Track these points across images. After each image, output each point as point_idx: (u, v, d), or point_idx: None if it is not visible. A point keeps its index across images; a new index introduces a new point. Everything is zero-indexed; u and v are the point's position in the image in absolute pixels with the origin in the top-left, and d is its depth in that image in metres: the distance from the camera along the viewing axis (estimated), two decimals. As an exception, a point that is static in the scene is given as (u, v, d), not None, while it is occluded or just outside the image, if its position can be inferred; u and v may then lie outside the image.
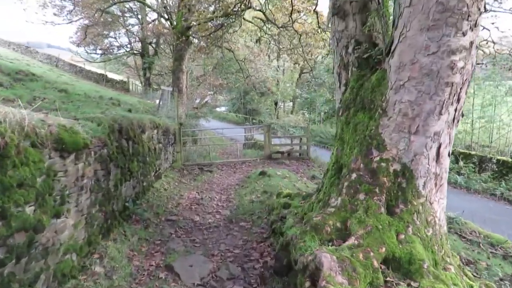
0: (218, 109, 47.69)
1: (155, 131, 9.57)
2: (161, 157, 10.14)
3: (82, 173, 4.55)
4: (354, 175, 3.99)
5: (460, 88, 3.69)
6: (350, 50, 4.69)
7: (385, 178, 3.81)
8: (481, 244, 5.88)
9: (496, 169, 14.31)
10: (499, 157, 14.96)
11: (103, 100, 10.06)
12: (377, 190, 3.80)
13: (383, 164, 3.84)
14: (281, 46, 22.73)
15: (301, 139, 14.68)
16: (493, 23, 5.52)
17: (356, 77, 4.50)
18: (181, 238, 5.73)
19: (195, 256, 4.90)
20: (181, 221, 6.55)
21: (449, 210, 10.03)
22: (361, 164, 3.99)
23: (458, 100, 3.75)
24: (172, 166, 11.65)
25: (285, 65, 38.51)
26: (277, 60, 34.05)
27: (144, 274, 4.39)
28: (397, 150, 3.81)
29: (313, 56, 17.03)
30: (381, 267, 3.28)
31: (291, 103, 44.18)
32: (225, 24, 13.66)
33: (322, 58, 15.83)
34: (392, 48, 3.87)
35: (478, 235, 6.34)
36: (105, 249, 4.69)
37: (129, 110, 10.21)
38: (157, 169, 9.45)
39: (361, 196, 3.85)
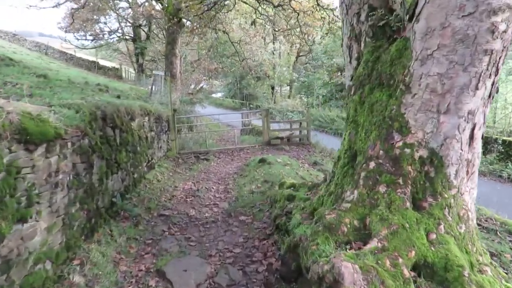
0: (214, 94, 46.87)
1: (146, 118, 8.91)
2: (154, 146, 9.51)
3: (56, 168, 3.93)
4: (372, 164, 3.39)
5: (499, 57, 3.06)
6: (362, 17, 4.02)
7: (409, 167, 3.21)
8: (498, 232, 5.35)
9: (502, 150, 13.78)
10: (504, 138, 14.41)
11: (89, 86, 9.35)
12: (400, 180, 3.21)
13: (407, 150, 3.24)
14: (277, 28, 21.89)
15: (300, 123, 14.06)
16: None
17: (371, 49, 3.84)
18: (175, 236, 5.15)
19: (190, 258, 4.32)
20: (175, 216, 5.97)
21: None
22: (381, 151, 3.38)
23: (497, 71, 3.13)
24: (167, 155, 11.03)
25: (281, 48, 37.53)
26: (273, 43, 33.07)
27: (131, 282, 3.82)
28: (424, 133, 3.21)
29: (310, 37, 16.25)
30: (411, 275, 2.71)
31: (288, 87, 43.38)
32: (218, 2, 12.85)
33: (320, 38, 14.99)
34: (417, 10, 3.22)
35: (494, 222, 5.80)
36: (88, 253, 4.11)
37: (118, 97, 9.52)
38: (150, 159, 8.83)
39: (382, 188, 3.26)
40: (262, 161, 9.04)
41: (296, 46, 36.68)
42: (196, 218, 5.90)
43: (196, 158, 11.44)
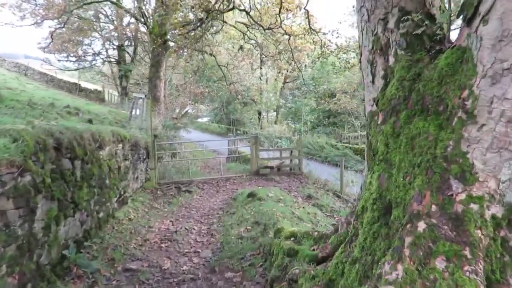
0: (200, 119, 45.91)
1: (120, 145, 7.74)
2: (128, 177, 8.29)
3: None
4: (422, 225, 2.32)
5: None
6: (391, 24, 3.06)
7: (479, 231, 2.15)
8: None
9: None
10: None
11: (54, 108, 8.15)
12: (467, 252, 2.14)
13: (474, 206, 2.19)
14: (265, 53, 21.26)
15: (291, 152, 13.02)
16: None
17: (406, 64, 2.86)
18: (141, 303, 3.92)
19: None
20: (145, 270, 4.72)
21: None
22: (433, 206, 2.32)
23: None
24: (144, 186, 9.79)
25: (268, 74, 37.12)
26: (260, 68, 32.53)
27: None
28: (497, 182, 2.18)
29: (301, 61, 15.54)
30: None
31: (274, 113, 42.74)
32: (205, 22, 12.03)
33: (312, 63, 14.23)
34: (484, 8, 2.24)
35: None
36: None
37: (90, 121, 8.35)
38: (122, 192, 7.59)
39: (440, 263, 2.17)
40: (252, 195, 7.89)
41: (283, 72, 36.33)
42: (171, 274, 4.67)
43: (177, 189, 10.22)
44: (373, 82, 3.30)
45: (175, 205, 8.60)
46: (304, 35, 12.59)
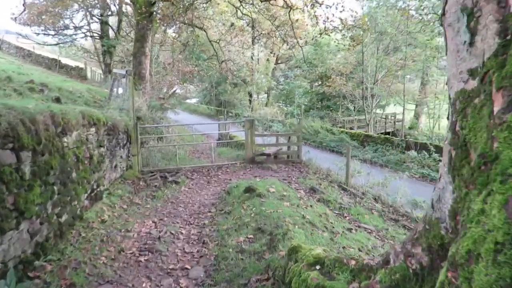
0: (188, 100, 44.20)
1: (93, 129, 6.38)
2: (104, 166, 6.95)
3: None
4: None
5: None
6: None
7: None
8: None
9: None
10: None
11: (10, 83, 6.70)
12: None
13: None
14: (260, 30, 19.72)
15: (289, 138, 11.78)
16: None
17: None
18: None
19: None
20: (115, 301, 3.50)
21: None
22: None
23: None
24: (124, 176, 8.47)
25: (260, 55, 35.46)
26: (252, 47, 30.81)
27: None
28: None
29: (301, 38, 14.12)
30: None
31: (265, 95, 41.29)
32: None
33: (312, 39, 12.78)
34: None
35: None
36: None
37: (57, 100, 6.95)
38: (95, 186, 6.28)
39: None
40: (250, 190, 6.65)
41: (275, 53, 34.75)
42: (150, 307, 3.46)
43: (163, 179, 8.94)
44: (471, 43, 2.04)
45: (160, 200, 7.34)
46: (306, 6, 11.16)
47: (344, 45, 12.06)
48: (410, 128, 27.28)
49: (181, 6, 11.26)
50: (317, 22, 11.73)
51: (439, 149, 14.19)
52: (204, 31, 15.46)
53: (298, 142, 10.99)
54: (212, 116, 33.45)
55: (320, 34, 11.66)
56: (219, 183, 8.79)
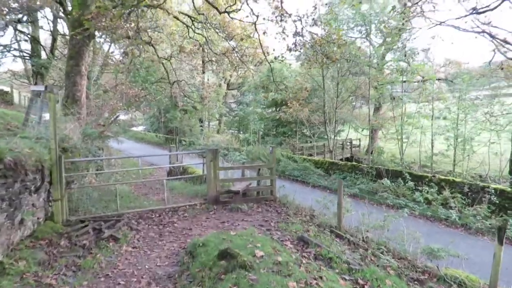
0: (135, 128, 40.77)
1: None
2: (-7, 229, 4.32)
3: None
4: None
5: None
6: None
7: None
8: None
9: (496, 201, 10.97)
10: (494, 186, 11.73)
11: None
12: None
13: None
14: (212, 53, 17.78)
15: (259, 170, 9.66)
16: None
17: None
18: None
19: None
20: None
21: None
22: None
23: None
24: (36, 234, 5.75)
25: (211, 80, 33.56)
26: (203, 72, 28.69)
27: None
28: None
29: (262, 56, 12.32)
30: None
31: (216, 122, 39.17)
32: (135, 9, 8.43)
33: (276, 59, 11.03)
34: None
35: None
36: None
37: None
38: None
39: None
40: (226, 256, 4.36)
41: (227, 78, 33.12)
42: None
43: (97, 233, 6.33)
44: None
45: (88, 273, 4.77)
46: (275, 16, 9.40)
47: (316, 62, 10.51)
48: (367, 152, 26.67)
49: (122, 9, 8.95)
50: (284, 38, 10.02)
51: (414, 177, 12.91)
52: (152, 46, 13.13)
53: (271, 175, 8.90)
54: (161, 144, 30.55)
55: (290, 50, 9.97)
56: (176, 236, 6.37)
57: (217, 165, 8.18)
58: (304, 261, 4.80)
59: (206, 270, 4.29)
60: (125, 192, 9.96)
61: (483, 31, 16.83)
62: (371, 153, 21.98)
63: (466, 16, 11.71)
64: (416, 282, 5.16)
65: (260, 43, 10.44)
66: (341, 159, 22.90)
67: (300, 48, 10.16)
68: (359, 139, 26.68)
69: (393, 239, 6.66)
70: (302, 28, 9.88)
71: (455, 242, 6.56)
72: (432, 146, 16.33)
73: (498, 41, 16.54)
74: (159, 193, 11.30)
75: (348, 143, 25.61)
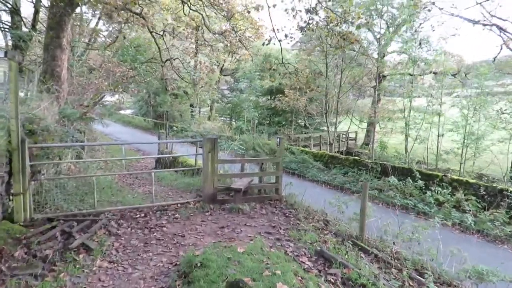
0: (122, 111, 38.97)
1: None
2: None
3: None
4: None
5: None
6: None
7: None
8: None
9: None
10: (513, 188, 10.74)
11: None
12: None
13: None
14: (208, 34, 16.23)
15: (261, 165, 8.35)
16: None
17: None
18: None
19: None
20: None
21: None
22: None
23: None
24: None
25: (204, 64, 31.80)
26: (195, 55, 26.92)
27: None
28: None
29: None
30: None
31: (207, 108, 37.54)
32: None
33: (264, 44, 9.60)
34: None
35: None
36: None
37: None
38: None
39: None
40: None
41: (221, 63, 31.41)
42: None
43: (65, 238, 4.99)
44: None
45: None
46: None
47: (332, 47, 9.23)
48: (363, 145, 25.64)
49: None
50: (294, 15, 8.66)
51: (423, 176, 11.83)
52: (143, 18, 11.55)
53: (277, 171, 7.61)
54: (150, 129, 28.98)
55: (301, 29, 8.63)
56: (165, 246, 5.07)
57: (216, 158, 6.85)
58: (315, 278, 3.58)
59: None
60: (107, 183, 8.60)
61: (494, 24, 15.78)
62: (369, 146, 20.96)
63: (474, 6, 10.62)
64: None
65: (270, 18, 9.01)
66: (339, 152, 21.83)
67: (313, 28, 8.81)
68: (356, 132, 25.58)
69: (424, 254, 5.53)
70: (316, 4, 8.52)
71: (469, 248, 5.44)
72: (438, 143, 15.33)
73: (508, 34, 15.54)
74: (146, 184, 9.96)
75: (344, 136, 24.52)
